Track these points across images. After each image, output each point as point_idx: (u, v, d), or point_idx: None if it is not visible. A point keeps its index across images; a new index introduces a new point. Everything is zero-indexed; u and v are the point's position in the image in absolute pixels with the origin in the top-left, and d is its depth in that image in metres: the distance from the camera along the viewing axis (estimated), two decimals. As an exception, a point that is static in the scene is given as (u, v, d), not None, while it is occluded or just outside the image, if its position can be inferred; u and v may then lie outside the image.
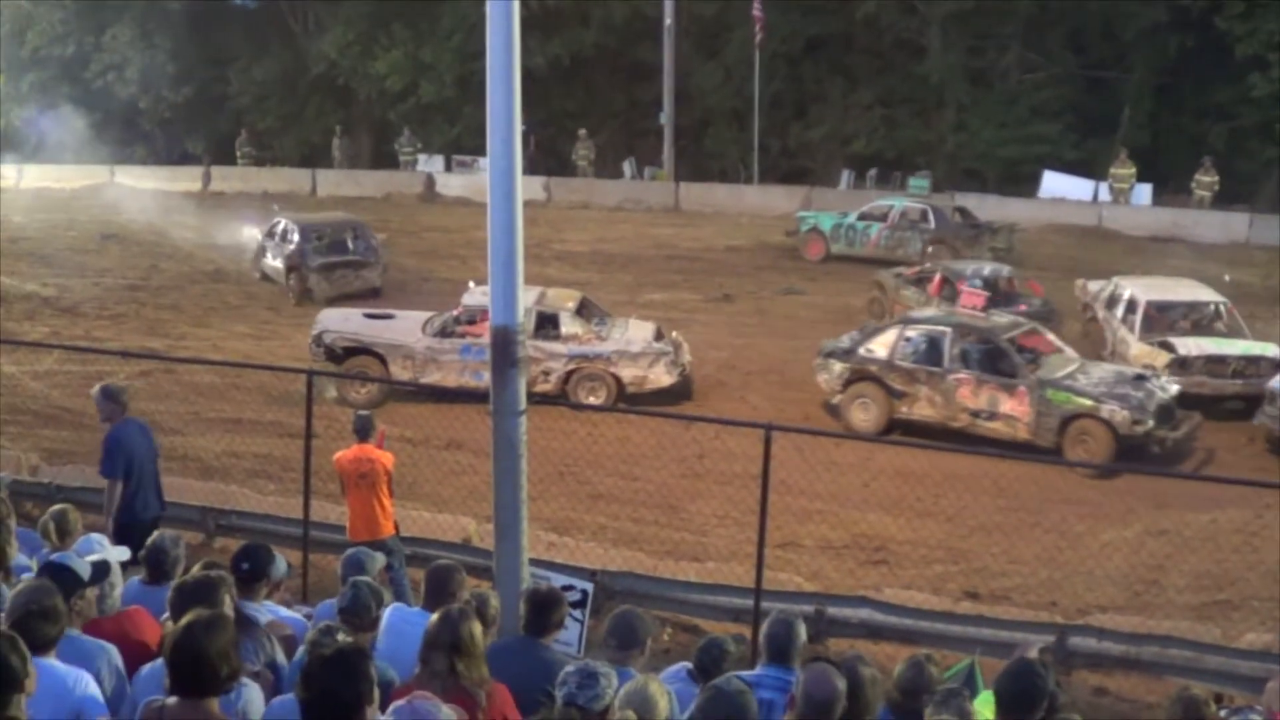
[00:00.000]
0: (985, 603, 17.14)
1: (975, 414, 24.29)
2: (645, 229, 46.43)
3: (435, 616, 7.94)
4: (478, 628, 8.00)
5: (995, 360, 24.64)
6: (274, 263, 37.50)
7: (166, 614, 8.75)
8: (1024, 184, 50.19)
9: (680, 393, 26.40)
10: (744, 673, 8.50)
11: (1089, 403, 23.38)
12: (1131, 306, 28.95)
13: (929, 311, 27.11)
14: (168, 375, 27.69)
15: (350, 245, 36.83)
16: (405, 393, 26.02)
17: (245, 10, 65.99)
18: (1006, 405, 23.98)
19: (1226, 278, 34.41)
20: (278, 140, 63.29)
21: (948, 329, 25.20)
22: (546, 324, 26.68)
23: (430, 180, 54.89)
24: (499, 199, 11.31)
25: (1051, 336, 26.52)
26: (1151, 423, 23.02)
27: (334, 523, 16.84)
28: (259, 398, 25.62)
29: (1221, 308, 29.17)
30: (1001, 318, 26.70)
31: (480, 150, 52.65)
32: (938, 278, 32.82)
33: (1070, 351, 26.06)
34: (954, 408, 24.49)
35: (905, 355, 25.20)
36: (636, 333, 27.45)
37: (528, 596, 9.29)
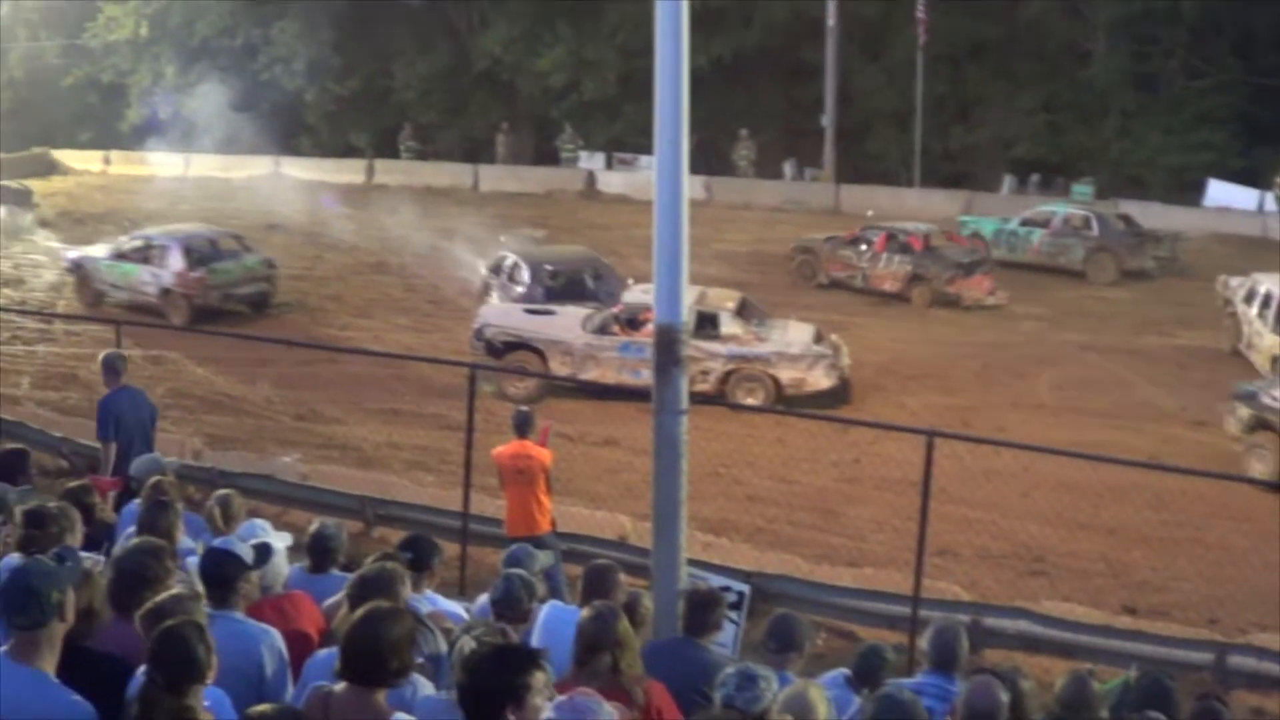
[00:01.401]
0: (1144, 618, 16.90)
1: None
2: (805, 230, 46.13)
3: (588, 615, 7.93)
4: (628, 624, 8.01)
5: None
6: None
7: (330, 600, 8.85)
8: (1188, 192, 49.40)
9: (838, 396, 26.22)
10: (906, 680, 8.46)
11: None
12: (1266, 300, 29.14)
13: None
14: (330, 365, 28.01)
15: (590, 287, 31.12)
16: (564, 389, 26.01)
17: (410, 6, 66.47)
18: None
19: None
20: (440, 135, 63.58)
21: None
22: (706, 324, 26.29)
23: (591, 177, 55.09)
24: (665, 198, 11.30)
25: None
26: None
27: (492, 516, 16.94)
28: (419, 390, 25.82)
29: None
30: None
31: (641, 148, 52.77)
32: (882, 236, 37.42)
33: None
34: None
35: None
36: (796, 334, 27.32)
37: (688, 596, 9.28)
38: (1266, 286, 29.46)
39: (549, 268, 31.56)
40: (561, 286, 30.84)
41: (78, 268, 35.49)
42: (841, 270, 37.77)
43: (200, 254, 34.03)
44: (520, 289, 31.02)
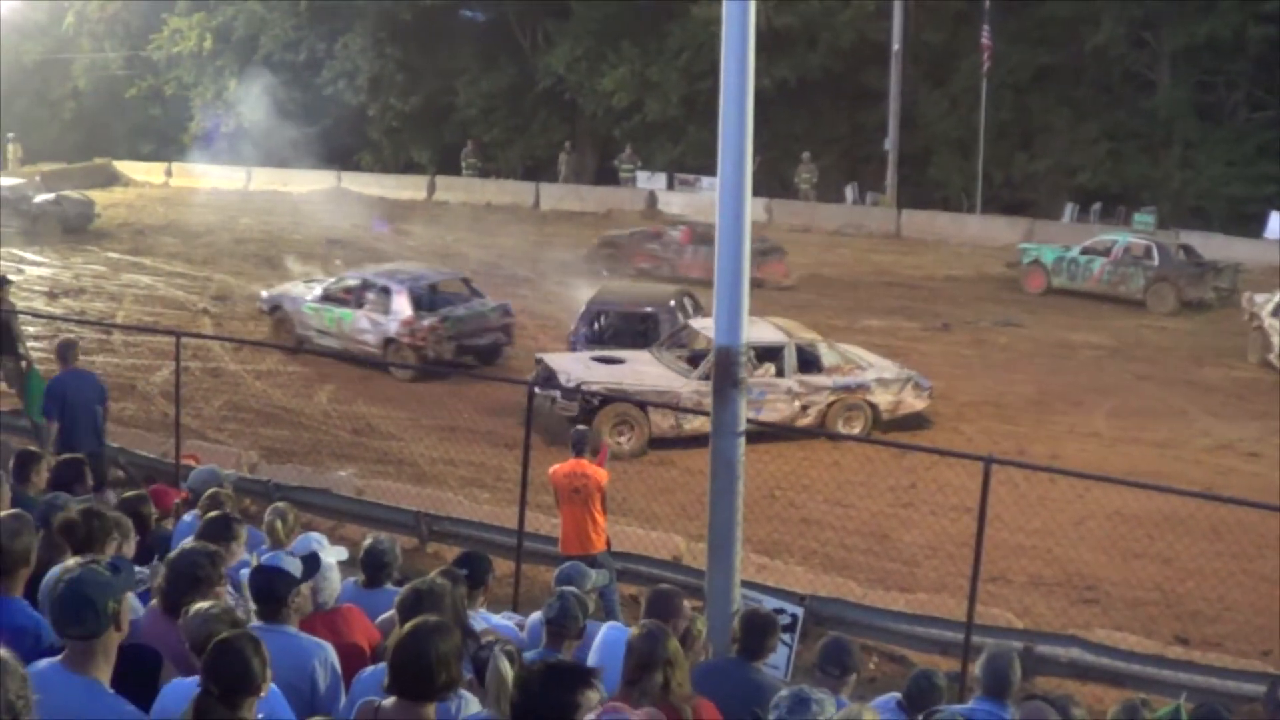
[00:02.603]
0: (1196, 648, 16.81)
1: None
2: (865, 254, 46.25)
3: (638, 634, 7.93)
4: (678, 644, 8.02)
5: None
6: None
7: (384, 615, 8.89)
8: (1250, 223, 49.06)
9: (892, 421, 26.14)
10: (958, 706, 8.44)
11: None
12: None
13: None
14: (387, 380, 28.11)
15: (647, 328, 28.94)
16: (664, 439, 24.77)
17: (475, 23, 66.69)
18: None
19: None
20: (502, 152, 63.68)
21: None
22: (808, 358, 25.92)
23: (652, 198, 55.13)
24: (728, 221, 11.33)
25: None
26: None
27: (547, 534, 16.98)
28: (475, 407, 25.85)
29: None
30: None
31: (703, 170, 52.83)
32: (686, 230, 41.75)
33: None
34: None
35: None
36: (870, 357, 27.10)
37: (744, 619, 9.26)
38: None
39: (601, 310, 29.70)
40: (615, 329, 29.34)
41: (275, 309, 32.19)
42: (647, 262, 41.40)
43: (425, 298, 30.28)
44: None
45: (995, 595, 17.80)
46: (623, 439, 24.46)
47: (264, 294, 33.29)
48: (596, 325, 29.27)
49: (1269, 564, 19.50)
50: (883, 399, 25.81)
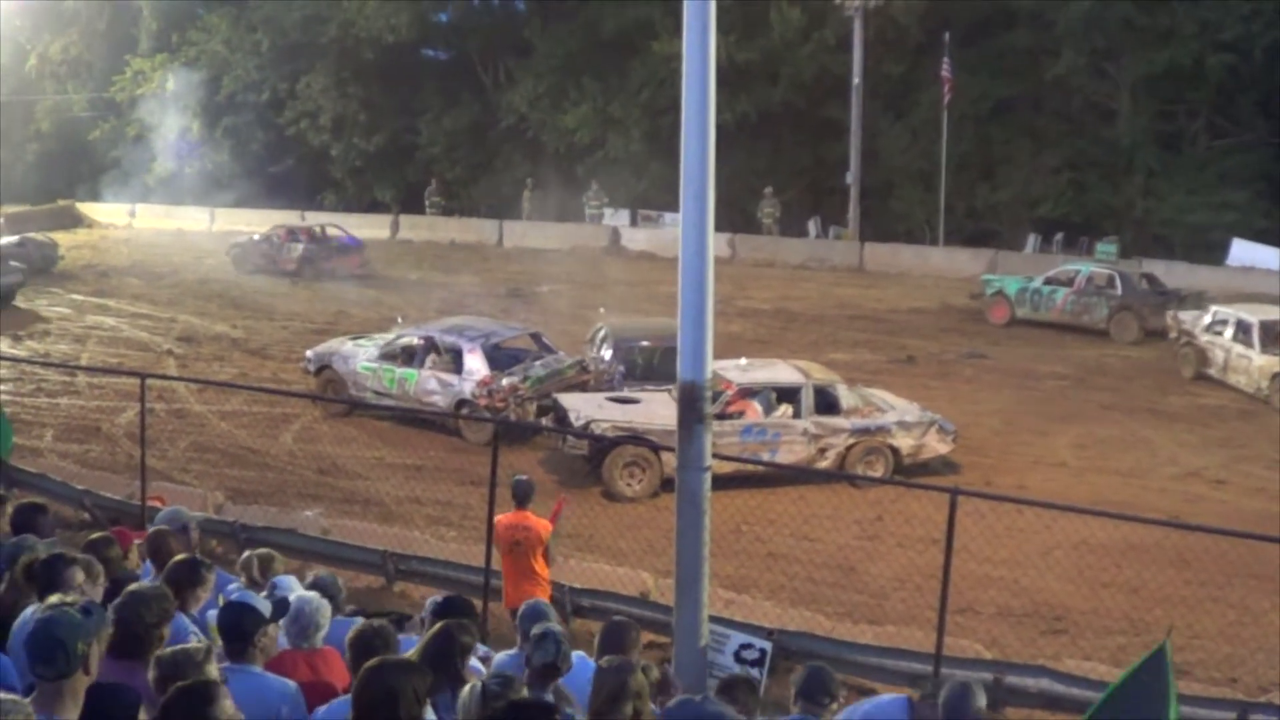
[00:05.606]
0: (1166, 677, 16.79)
1: None
2: (829, 288, 46.26)
3: (607, 669, 7.90)
4: (643, 676, 8.00)
5: None
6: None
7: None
8: (1212, 251, 49.22)
9: (915, 465, 25.94)
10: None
11: None
12: (1244, 328, 33.01)
13: None
14: (352, 421, 28.03)
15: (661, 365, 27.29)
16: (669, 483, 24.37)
17: (437, 62, 66.89)
18: None
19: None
20: (466, 190, 63.89)
21: None
22: (826, 400, 25.48)
23: (616, 234, 55.18)
24: (691, 255, 11.34)
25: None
26: None
27: (514, 572, 16.91)
28: (442, 445, 25.79)
29: None
30: None
31: (665, 205, 52.83)
32: (284, 230, 49.53)
33: None
34: None
35: None
36: (897, 400, 26.86)
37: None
38: (1240, 316, 33.44)
39: (634, 344, 28.76)
40: (658, 364, 27.60)
41: (322, 368, 30.09)
42: (261, 259, 48.70)
43: (496, 356, 28.29)
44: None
45: (964, 626, 17.76)
46: (634, 480, 24.11)
47: (310, 353, 31.01)
48: (630, 362, 28.28)
49: (1236, 591, 19.55)
50: (904, 442, 25.37)
